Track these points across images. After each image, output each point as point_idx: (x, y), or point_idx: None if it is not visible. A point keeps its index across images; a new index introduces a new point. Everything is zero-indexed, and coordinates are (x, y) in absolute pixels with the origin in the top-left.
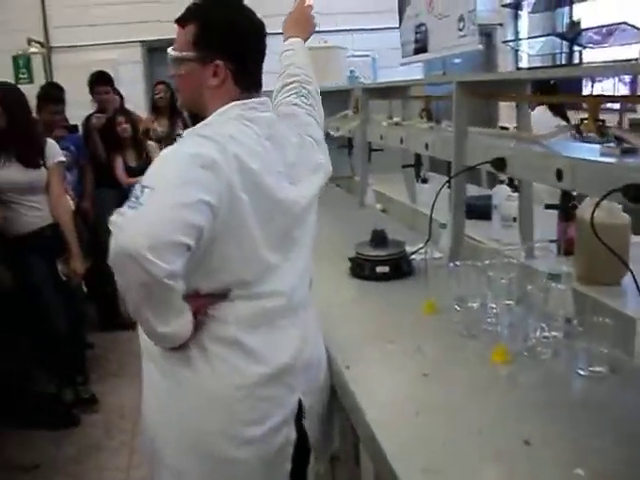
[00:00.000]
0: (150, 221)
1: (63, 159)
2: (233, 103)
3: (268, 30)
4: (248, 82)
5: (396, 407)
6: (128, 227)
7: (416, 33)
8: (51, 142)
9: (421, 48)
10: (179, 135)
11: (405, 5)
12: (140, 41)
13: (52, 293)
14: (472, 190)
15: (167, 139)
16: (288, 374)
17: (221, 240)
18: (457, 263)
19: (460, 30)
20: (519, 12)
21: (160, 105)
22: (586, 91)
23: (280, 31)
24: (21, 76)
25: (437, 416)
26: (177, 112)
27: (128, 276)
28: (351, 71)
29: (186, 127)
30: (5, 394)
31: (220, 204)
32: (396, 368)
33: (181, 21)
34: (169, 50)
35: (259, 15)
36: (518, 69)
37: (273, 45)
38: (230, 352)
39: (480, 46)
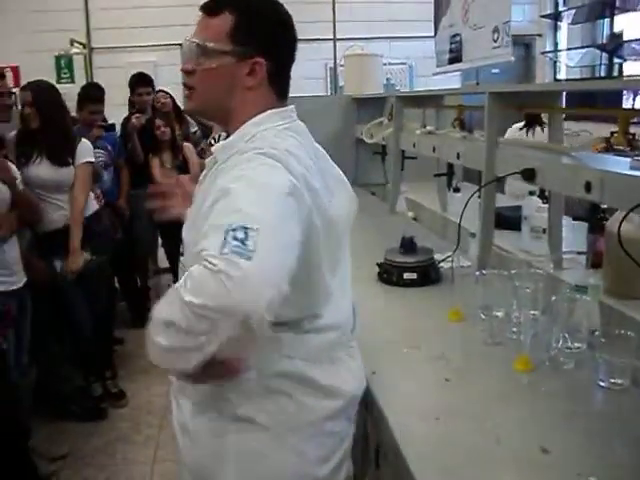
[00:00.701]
0: (269, 275)
1: (92, 160)
2: (270, 111)
3: (299, 36)
4: (283, 88)
5: (417, 411)
6: (249, 284)
7: (451, 43)
8: (84, 142)
9: (455, 58)
10: (194, 134)
11: (441, 15)
12: (179, 44)
13: (75, 289)
14: (505, 201)
15: (187, 140)
16: (351, 406)
17: (299, 271)
18: (484, 272)
19: (494, 41)
20: (559, 23)
21: (165, 111)
22: (627, 104)
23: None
24: (63, 75)
25: (457, 421)
26: (182, 113)
27: (223, 330)
28: (387, 79)
29: (200, 124)
30: (36, 386)
31: (303, 237)
32: (419, 373)
33: (212, 9)
34: (194, 39)
35: None
36: (556, 80)
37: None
38: (296, 388)
39: (513, 58)
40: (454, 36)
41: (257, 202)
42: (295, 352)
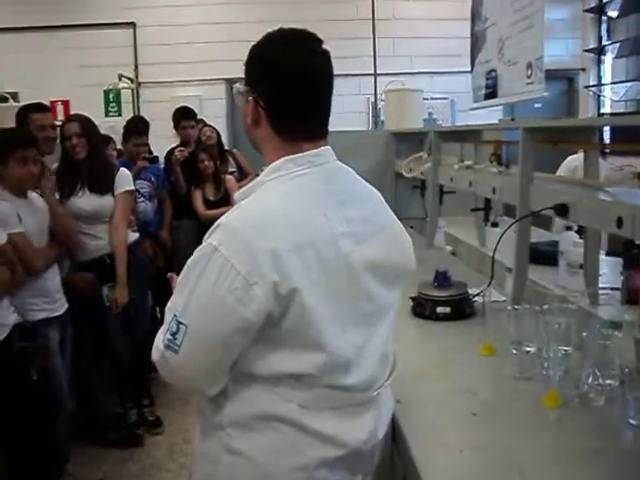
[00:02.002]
0: (188, 369)
1: (131, 188)
2: (284, 158)
3: (340, 71)
4: (290, 128)
5: (441, 443)
6: (175, 374)
7: (487, 79)
8: (123, 170)
9: (491, 93)
10: (233, 173)
11: (477, 51)
12: (224, 79)
13: (115, 316)
14: (543, 236)
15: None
16: (355, 458)
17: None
18: (516, 307)
19: (528, 77)
20: (602, 57)
21: (209, 144)
22: None
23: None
24: (110, 109)
25: (481, 455)
26: (225, 151)
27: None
28: (429, 113)
29: (237, 164)
30: (76, 412)
31: (258, 317)
32: (446, 406)
33: None
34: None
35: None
36: (600, 115)
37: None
38: (290, 430)
39: (546, 93)
40: (490, 72)
41: (196, 299)
42: (294, 397)
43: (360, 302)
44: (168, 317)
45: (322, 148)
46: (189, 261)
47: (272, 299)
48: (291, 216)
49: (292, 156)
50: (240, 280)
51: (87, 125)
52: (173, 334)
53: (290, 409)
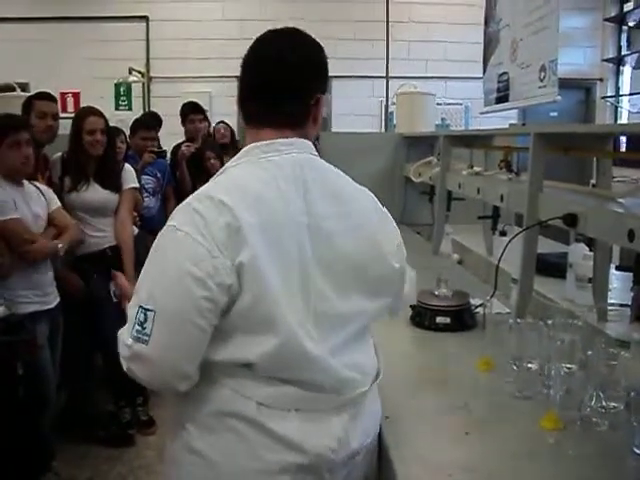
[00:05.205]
0: (163, 357)
1: (137, 185)
2: (253, 144)
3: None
4: (257, 117)
5: (429, 465)
6: (148, 367)
7: (499, 82)
8: (128, 167)
9: (503, 97)
10: None
11: (490, 54)
12: (235, 76)
13: (110, 314)
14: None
15: None
16: (325, 469)
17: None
18: (518, 320)
19: (541, 80)
20: (621, 67)
21: (222, 142)
22: None
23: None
24: (121, 103)
25: (470, 479)
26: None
27: None
28: (443, 119)
29: None
30: (66, 408)
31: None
32: (438, 424)
33: None
34: None
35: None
36: None
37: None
38: (249, 431)
39: (559, 97)
40: (502, 74)
41: (159, 281)
42: (253, 394)
43: (313, 299)
44: (132, 312)
45: (295, 139)
46: (151, 249)
47: (232, 273)
48: (248, 193)
49: (259, 143)
50: (204, 252)
51: (107, 121)
52: (141, 324)
53: (248, 406)
